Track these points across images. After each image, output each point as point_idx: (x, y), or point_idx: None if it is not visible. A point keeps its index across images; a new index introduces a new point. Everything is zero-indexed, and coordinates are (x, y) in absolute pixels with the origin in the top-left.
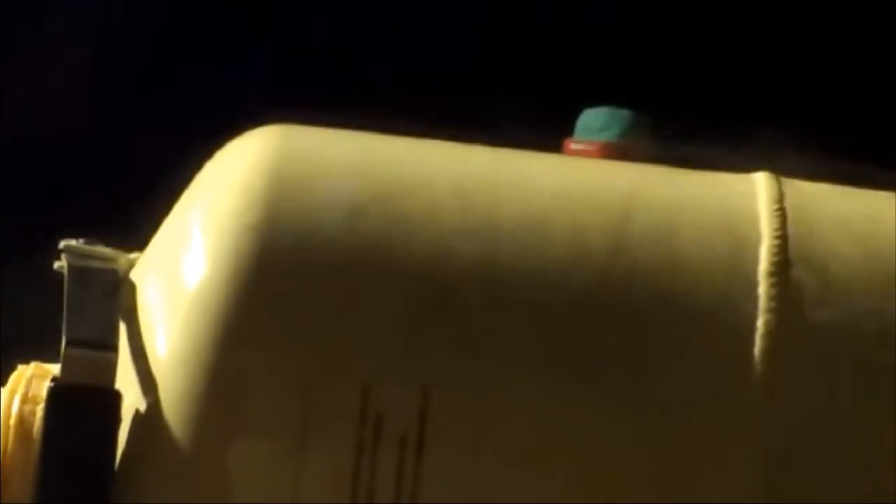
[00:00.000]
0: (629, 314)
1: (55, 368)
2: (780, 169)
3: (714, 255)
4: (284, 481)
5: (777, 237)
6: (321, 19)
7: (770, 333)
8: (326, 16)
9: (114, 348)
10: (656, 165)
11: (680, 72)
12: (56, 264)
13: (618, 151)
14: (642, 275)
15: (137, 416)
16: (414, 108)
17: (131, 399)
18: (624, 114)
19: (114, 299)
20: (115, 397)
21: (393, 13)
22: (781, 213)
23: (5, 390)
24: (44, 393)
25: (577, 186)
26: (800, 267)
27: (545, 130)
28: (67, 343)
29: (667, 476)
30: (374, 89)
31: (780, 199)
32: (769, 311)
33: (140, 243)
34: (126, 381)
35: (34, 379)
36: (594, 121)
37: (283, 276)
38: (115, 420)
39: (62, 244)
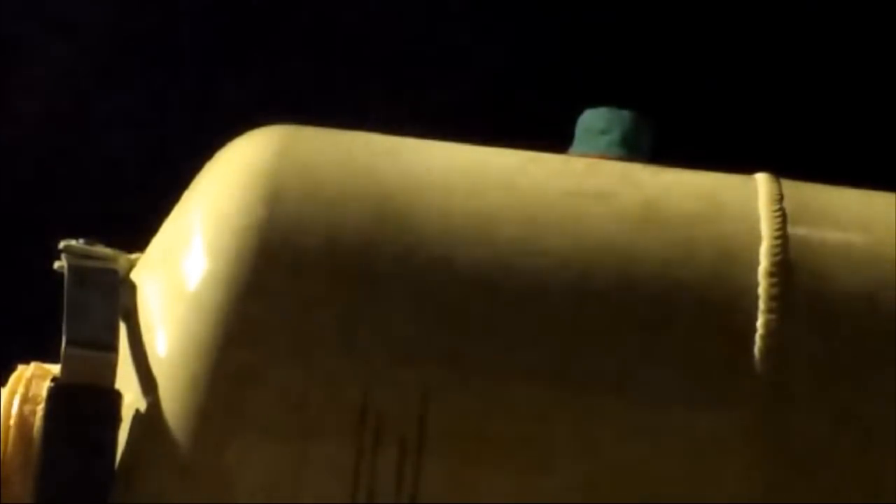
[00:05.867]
0: (629, 315)
1: (55, 368)
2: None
3: (714, 255)
4: (284, 481)
5: (777, 237)
6: (320, 20)
7: (770, 333)
8: (325, 16)
9: (114, 348)
10: (656, 166)
11: (680, 72)
12: (56, 264)
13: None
14: (642, 276)
15: (137, 416)
16: (414, 108)
17: (131, 399)
18: (624, 114)
19: (114, 299)
20: (115, 397)
21: (393, 14)
22: (781, 214)
23: (5, 390)
24: (44, 393)
25: (578, 189)
26: (800, 267)
27: (546, 130)
28: (67, 343)
29: (667, 476)
30: (374, 89)
31: (780, 199)
32: (769, 311)
33: (140, 243)
34: (126, 381)
35: (34, 379)
36: (595, 121)
37: (282, 276)
38: (115, 420)
39: (62, 244)
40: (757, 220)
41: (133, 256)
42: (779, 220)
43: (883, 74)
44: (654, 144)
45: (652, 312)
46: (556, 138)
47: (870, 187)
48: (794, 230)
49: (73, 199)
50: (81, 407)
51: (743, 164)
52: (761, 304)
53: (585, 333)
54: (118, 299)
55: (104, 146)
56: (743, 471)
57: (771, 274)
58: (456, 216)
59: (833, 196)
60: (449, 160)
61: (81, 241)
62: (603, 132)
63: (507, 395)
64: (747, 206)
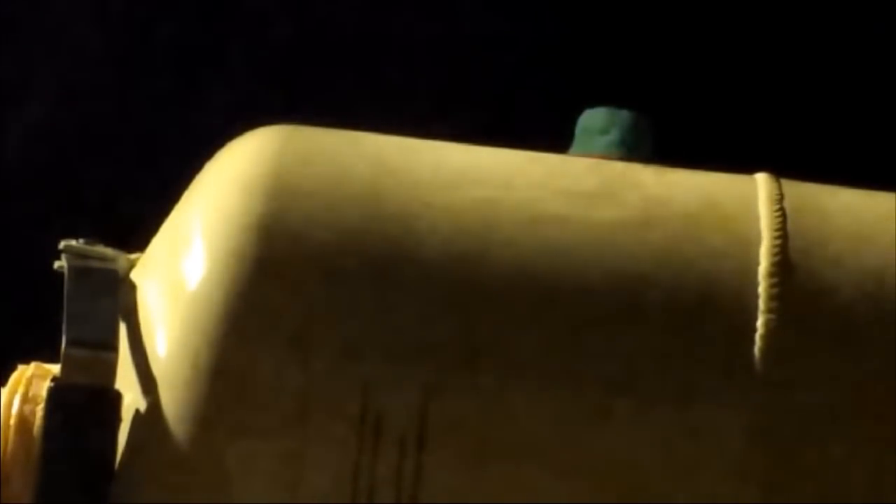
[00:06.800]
0: (629, 315)
1: (55, 368)
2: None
3: (714, 255)
4: (284, 481)
5: (777, 237)
6: (320, 19)
7: (770, 333)
8: (325, 14)
9: (114, 348)
10: (656, 166)
11: (680, 72)
12: (56, 264)
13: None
14: (643, 275)
15: (137, 416)
16: (414, 108)
17: (131, 399)
18: (624, 114)
19: (114, 299)
20: (115, 397)
21: (392, 16)
22: (781, 214)
23: (5, 390)
24: (44, 393)
25: (578, 189)
26: (800, 267)
27: (546, 130)
28: (67, 343)
29: (667, 476)
30: (373, 88)
31: (780, 199)
32: (769, 311)
33: (140, 243)
34: (126, 381)
35: (34, 379)
36: (594, 121)
37: (282, 276)
38: (115, 420)
39: (62, 244)
40: (757, 220)
41: (133, 256)
42: (779, 220)
43: (883, 74)
44: (654, 144)
45: (651, 312)
46: (556, 138)
47: (870, 187)
48: (794, 230)
49: (74, 198)
50: (81, 407)
51: (743, 164)
52: (761, 304)
53: (585, 333)
54: (118, 299)
55: (104, 146)
56: (742, 471)
57: (771, 274)
58: (456, 216)
59: (833, 196)
60: (449, 160)
61: (81, 241)
62: (603, 132)
63: (507, 395)
64: (747, 206)
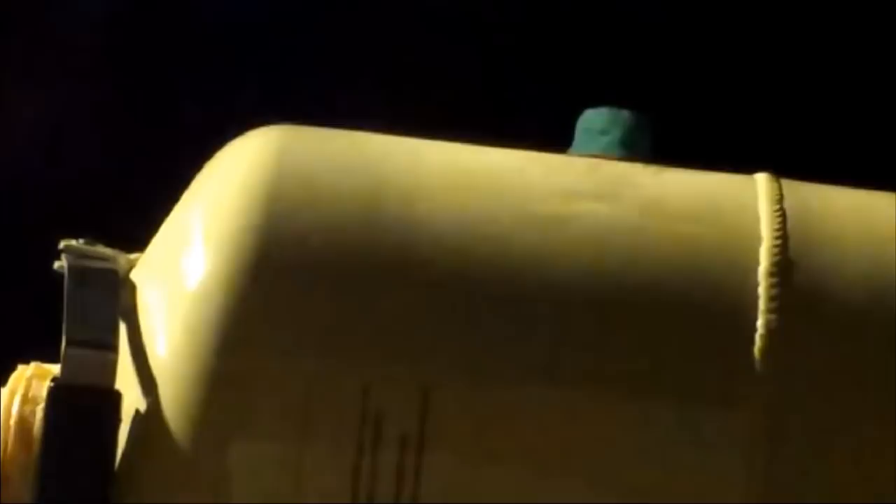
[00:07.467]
0: (630, 314)
1: (55, 368)
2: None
3: (714, 255)
4: (285, 481)
5: (777, 237)
6: (321, 19)
7: (770, 333)
8: (325, 14)
9: (114, 348)
10: (655, 166)
11: (680, 72)
12: (56, 264)
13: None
14: (643, 275)
15: (137, 416)
16: (414, 108)
17: (131, 399)
18: (624, 114)
19: (114, 299)
20: (115, 397)
21: (391, 15)
22: (781, 214)
23: (5, 390)
24: (44, 393)
25: (578, 189)
26: (800, 267)
27: (546, 130)
28: (67, 343)
29: (667, 476)
30: (373, 89)
31: (780, 199)
32: (769, 311)
33: (141, 243)
34: (126, 381)
35: (34, 379)
36: (595, 121)
37: (283, 276)
38: (115, 420)
39: (62, 244)
40: (757, 220)
41: (133, 256)
42: (779, 220)
43: (883, 74)
44: (654, 144)
45: (651, 312)
46: (556, 138)
47: (870, 187)
48: (794, 230)
49: (74, 199)
50: (81, 407)
51: (743, 164)
52: (761, 304)
53: (585, 333)
54: (118, 299)
55: (104, 145)
56: (743, 470)
57: (771, 274)
58: (455, 216)
59: (833, 196)
60: (448, 160)
61: (81, 241)
62: (603, 132)
63: (508, 394)
64: (747, 206)
